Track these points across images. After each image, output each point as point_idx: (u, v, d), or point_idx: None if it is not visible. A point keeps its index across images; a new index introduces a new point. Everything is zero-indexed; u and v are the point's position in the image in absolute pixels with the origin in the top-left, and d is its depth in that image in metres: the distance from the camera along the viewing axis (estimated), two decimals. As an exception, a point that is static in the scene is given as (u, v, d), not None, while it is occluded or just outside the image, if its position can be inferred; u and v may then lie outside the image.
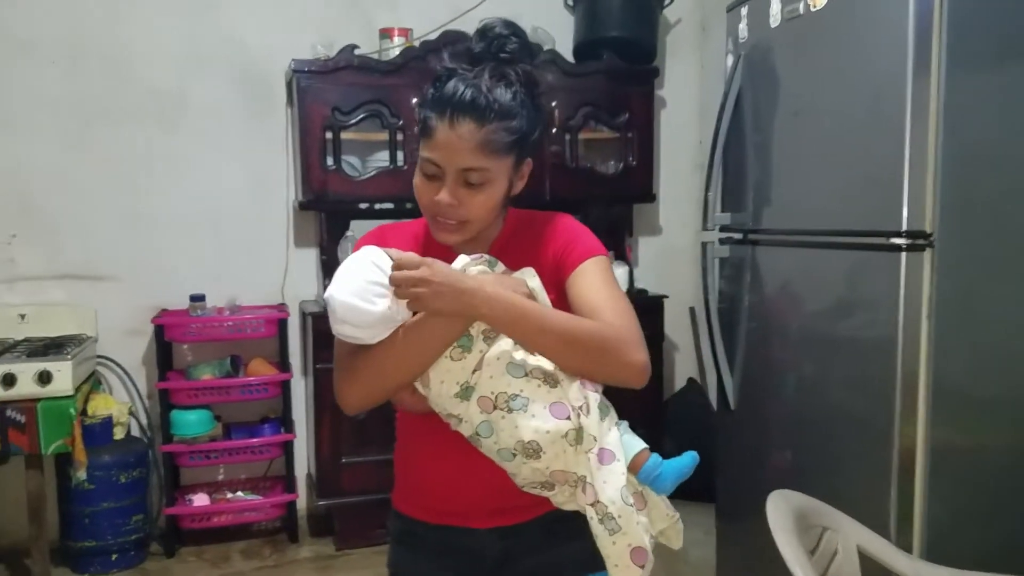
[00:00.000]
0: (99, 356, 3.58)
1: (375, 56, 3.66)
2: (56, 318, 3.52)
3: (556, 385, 1.31)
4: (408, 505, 1.50)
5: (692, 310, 4.31)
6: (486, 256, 1.39)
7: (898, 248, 2.07)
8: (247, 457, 3.61)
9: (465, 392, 1.31)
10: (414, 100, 3.58)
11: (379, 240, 1.46)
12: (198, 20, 3.71)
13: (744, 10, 2.65)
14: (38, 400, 2.98)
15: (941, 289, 2.05)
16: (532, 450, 1.29)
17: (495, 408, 1.29)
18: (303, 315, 3.74)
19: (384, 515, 3.68)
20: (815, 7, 2.32)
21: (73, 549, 3.33)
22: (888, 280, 2.10)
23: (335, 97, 3.57)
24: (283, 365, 3.61)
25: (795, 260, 2.48)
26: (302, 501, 3.80)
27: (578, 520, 1.33)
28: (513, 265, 1.41)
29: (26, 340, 3.39)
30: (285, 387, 3.59)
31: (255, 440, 3.58)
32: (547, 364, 1.32)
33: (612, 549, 1.29)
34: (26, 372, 2.98)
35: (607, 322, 1.32)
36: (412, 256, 1.29)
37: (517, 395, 1.29)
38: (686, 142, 4.31)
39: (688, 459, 1.35)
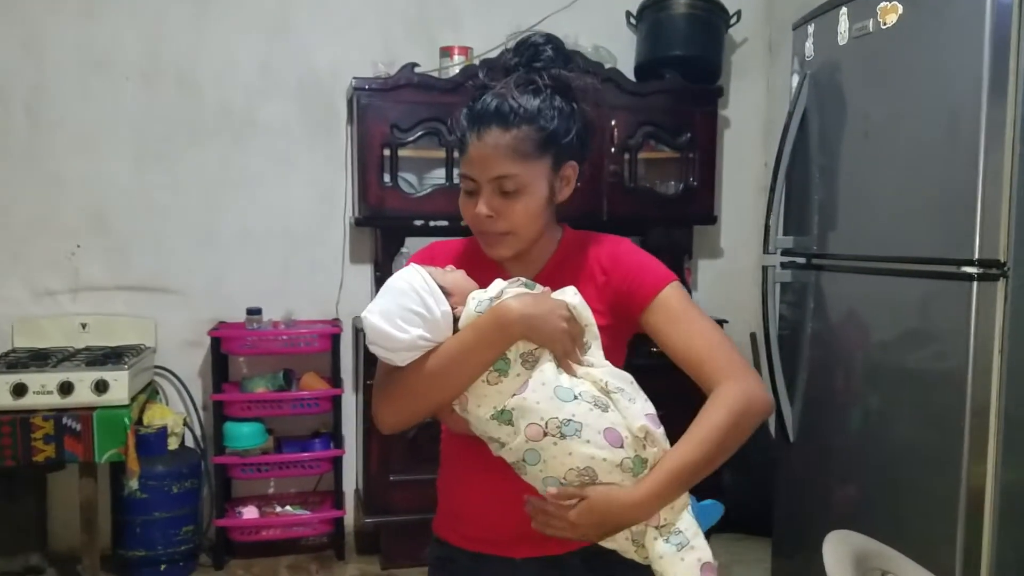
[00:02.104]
0: (156, 367, 3.62)
1: (435, 74, 3.66)
2: (117, 328, 3.58)
3: (607, 409, 1.26)
4: (446, 530, 1.47)
5: (753, 336, 4.20)
6: (522, 279, 1.35)
7: (970, 277, 1.98)
8: (297, 472, 3.60)
9: (502, 415, 1.27)
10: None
11: (429, 259, 1.46)
12: (269, 39, 3.76)
13: (811, 28, 2.58)
14: (94, 408, 3.01)
15: (1014, 320, 1.95)
16: (587, 478, 1.24)
17: (545, 435, 1.24)
18: (356, 331, 3.73)
19: (432, 535, 3.63)
20: (885, 24, 2.24)
21: (124, 558, 3.35)
22: (959, 310, 2.00)
23: (394, 114, 3.57)
24: (335, 380, 3.61)
25: (861, 287, 2.39)
26: (350, 518, 3.77)
27: (624, 558, 1.30)
28: (558, 284, 1.36)
29: (86, 349, 3.44)
30: (336, 402, 3.58)
31: (305, 455, 3.57)
32: (595, 388, 1.27)
33: (681, 566, 1.23)
34: (84, 380, 3.02)
35: (725, 379, 1.29)
36: (566, 490, 1.25)
37: (570, 420, 1.23)
38: (751, 163, 4.22)
39: (714, 510, 1.32)
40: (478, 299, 1.31)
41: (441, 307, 1.29)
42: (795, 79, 2.65)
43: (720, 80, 3.97)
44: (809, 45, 2.58)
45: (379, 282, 3.76)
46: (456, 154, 3.49)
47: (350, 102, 3.74)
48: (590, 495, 1.23)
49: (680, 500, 1.27)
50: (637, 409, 1.27)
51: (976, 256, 1.97)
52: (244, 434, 3.48)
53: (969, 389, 1.98)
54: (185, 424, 3.56)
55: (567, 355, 1.28)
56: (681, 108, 3.83)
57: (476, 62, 3.70)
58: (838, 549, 1.64)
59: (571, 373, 1.28)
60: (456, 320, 1.31)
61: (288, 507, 3.65)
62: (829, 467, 2.52)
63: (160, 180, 3.68)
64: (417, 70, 3.60)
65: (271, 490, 3.81)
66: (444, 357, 1.29)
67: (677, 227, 4.05)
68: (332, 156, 3.84)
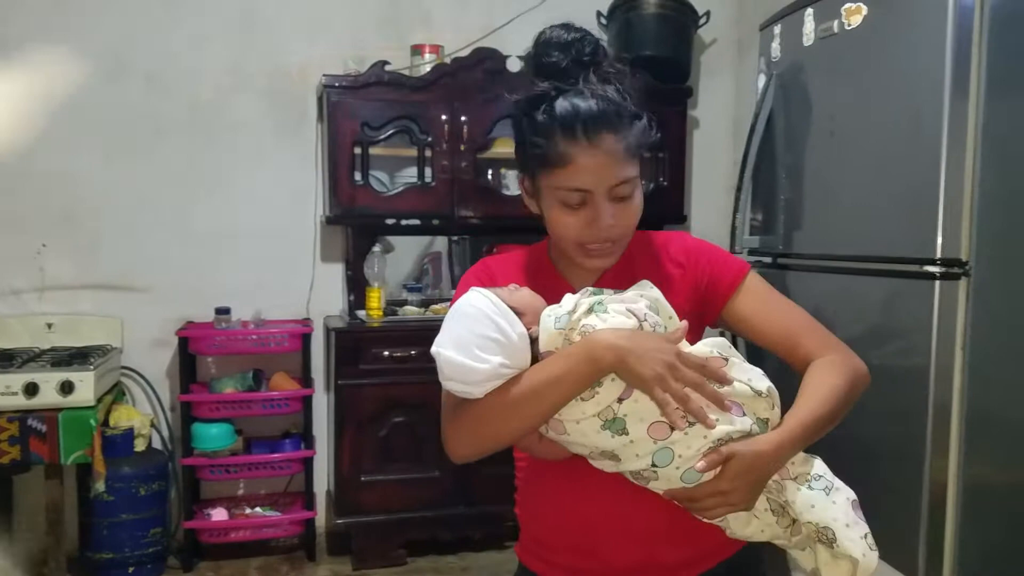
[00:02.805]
0: (123, 367, 3.58)
1: (406, 72, 3.65)
2: (83, 328, 3.54)
3: (727, 381, 1.20)
4: (534, 559, 1.37)
5: (723, 334, 4.23)
6: (590, 288, 1.27)
7: (932, 276, 2.00)
8: (267, 472, 3.58)
9: (614, 425, 1.16)
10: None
11: (486, 277, 1.37)
12: (239, 36, 3.73)
13: (777, 29, 2.60)
14: (60, 410, 2.98)
15: (976, 319, 1.97)
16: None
17: (673, 430, 1.15)
18: (327, 330, 3.71)
19: (402, 535, 3.63)
20: (850, 25, 2.26)
21: (91, 560, 3.31)
22: (922, 309, 2.03)
23: (365, 112, 3.56)
24: (306, 380, 3.59)
25: (826, 286, 2.41)
26: (321, 518, 3.76)
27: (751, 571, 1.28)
28: (625, 286, 1.29)
29: (52, 349, 3.40)
30: (307, 403, 3.56)
31: (276, 455, 3.55)
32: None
33: (834, 509, 1.19)
34: (49, 381, 2.98)
35: (825, 353, 1.29)
36: (712, 458, 1.16)
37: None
38: (720, 163, 4.24)
39: None
40: (555, 316, 1.21)
41: (517, 329, 1.19)
42: (761, 79, 2.67)
43: (690, 80, 4.00)
44: (775, 46, 2.61)
45: (351, 281, 3.75)
46: (429, 153, 3.56)
47: (320, 100, 3.73)
48: (735, 452, 1.15)
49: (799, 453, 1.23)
50: (757, 372, 1.23)
51: (938, 255, 1.99)
52: (212, 435, 3.46)
53: (932, 386, 2.01)
54: (152, 425, 3.52)
55: (663, 404, 1.14)
56: (651, 108, 3.82)
57: (447, 60, 3.69)
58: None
59: (674, 424, 1.15)
60: (533, 341, 1.22)
61: (258, 508, 3.63)
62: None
63: (127, 178, 3.64)
64: (388, 68, 3.59)
65: (241, 491, 3.78)
66: (527, 388, 1.18)
67: (647, 226, 4.06)
68: (302, 154, 3.82)
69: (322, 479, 3.79)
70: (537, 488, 1.36)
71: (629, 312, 1.20)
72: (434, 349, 1.19)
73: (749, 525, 1.22)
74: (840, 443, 2.31)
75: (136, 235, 3.66)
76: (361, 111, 3.56)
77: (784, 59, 2.58)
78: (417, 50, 3.72)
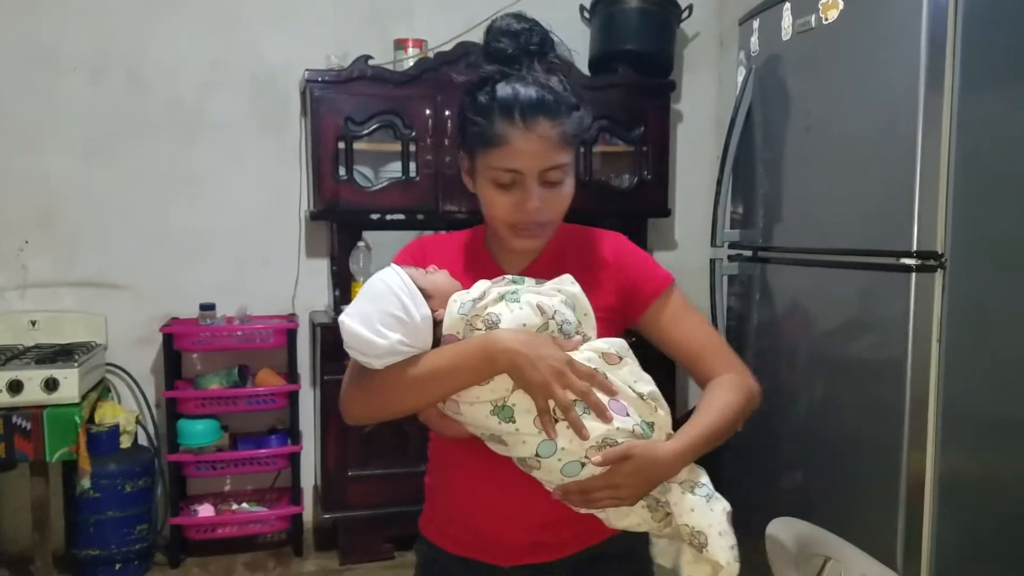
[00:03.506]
0: (108, 364, 3.58)
1: (389, 67, 3.65)
2: (67, 325, 3.53)
3: (612, 393, 1.25)
4: (433, 531, 1.44)
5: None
6: (509, 277, 1.32)
7: (908, 268, 2.02)
8: (254, 468, 3.58)
9: (502, 412, 1.22)
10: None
11: (419, 256, 1.42)
12: (218, 33, 3.72)
13: (756, 23, 2.61)
14: (44, 407, 2.97)
15: (952, 311, 2.00)
16: (608, 447, 1.21)
17: (557, 422, 1.20)
18: (313, 326, 3.72)
19: (389, 530, 3.64)
20: (827, 20, 2.28)
21: (77, 558, 3.32)
22: (898, 301, 2.05)
23: (348, 107, 3.56)
24: (291, 376, 3.60)
25: (805, 279, 2.43)
26: (308, 514, 3.76)
27: (613, 560, 1.33)
28: (553, 275, 1.33)
29: (36, 347, 3.39)
30: (293, 398, 3.57)
31: (262, 451, 3.55)
32: (599, 360, 1.25)
33: (712, 515, 1.24)
34: (33, 379, 2.98)
35: (726, 371, 1.35)
36: (612, 451, 1.21)
37: (576, 399, 1.20)
38: (703, 157, 4.26)
39: None
40: (460, 301, 1.27)
41: (421, 311, 1.25)
42: (741, 73, 2.69)
43: (672, 74, 4.00)
44: (754, 40, 2.62)
45: (336, 276, 3.75)
46: (413, 148, 3.56)
47: (303, 95, 3.73)
48: (634, 453, 1.21)
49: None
50: (645, 376, 1.28)
51: (914, 248, 2.01)
52: (198, 431, 3.46)
53: (908, 378, 2.03)
54: (138, 422, 3.52)
55: (542, 411, 1.20)
56: (634, 102, 3.86)
57: (431, 55, 3.69)
58: (780, 536, 1.67)
59: (547, 431, 1.20)
60: (438, 323, 1.27)
61: (245, 504, 3.63)
62: (775, 455, 2.56)
63: (109, 175, 3.63)
64: (371, 63, 3.59)
65: (227, 487, 3.79)
66: (424, 371, 1.24)
67: (631, 220, 4.08)
68: (286, 149, 3.81)
69: (308, 475, 3.80)
70: (442, 463, 1.43)
71: (539, 308, 1.24)
72: (341, 318, 1.26)
73: (627, 517, 1.28)
74: (819, 435, 2.34)
75: (119, 232, 3.65)
76: (344, 106, 3.55)
77: (763, 53, 2.59)
78: (400, 45, 3.72)
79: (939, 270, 2.00)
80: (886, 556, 1.98)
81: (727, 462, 2.84)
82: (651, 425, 1.25)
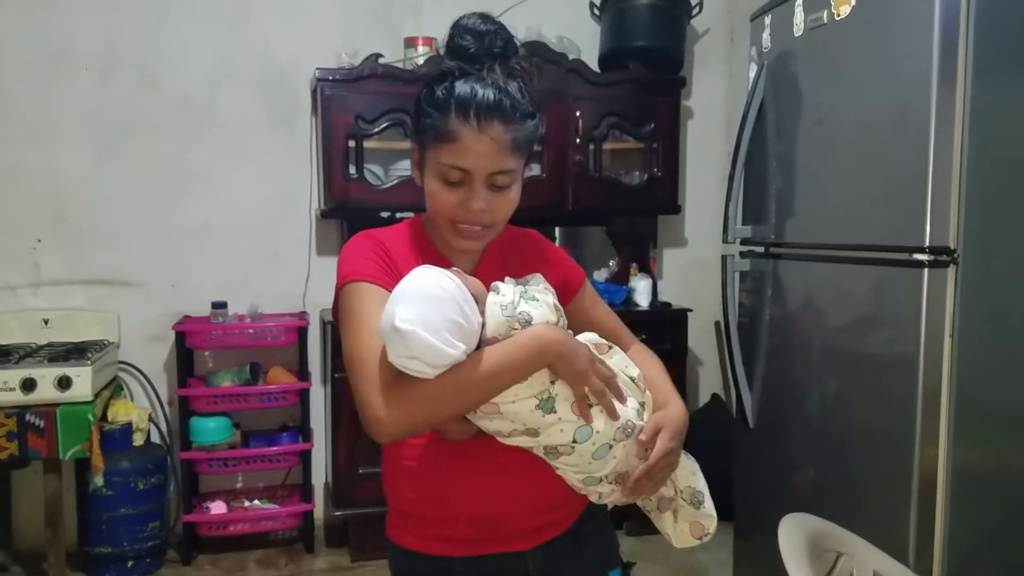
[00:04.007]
0: (121, 362, 3.60)
1: (399, 65, 3.66)
2: (79, 323, 3.55)
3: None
4: (437, 543, 1.39)
5: (718, 324, 4.25)
6: (510, 278, 1.35)
7: (921, 264, 2.01)
8: (265, 465, 3.60)
9: (546, 404, 1.25)
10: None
11: (383, 253, 1.37)
12: (229, 31, 3.73)
13: (768, 19, 2.61)
14: (57, 405, 2.99)
15: (964, 306, 1.99)
16: (628, 431, 1.31)
17: (591, 407, 1.28)
18: (323, 323, 3.73)
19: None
20: (839, 16, 2.27)
21: (90, 555, 3.34)
22: (910, 297, 2.04)
23: (359, 106, 3.56)
24: (302, 374, 3.61)
25: (817, 275, 2.42)
26: (319, 511, 3.78)
27: (597, 520, 1.46)
28: (499, 273, 1.38)
29: (49, 345, 3.41)
30: (304, 396, 3.58)
31: (273, 448, 3.57)
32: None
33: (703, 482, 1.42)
34: (46, 377, 2.99)
35: (633, 342, 1.54)
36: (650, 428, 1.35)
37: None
38: (714, 153, 4.25)
39: None
40: (500, 304, 1.26)
41: (477, 317, 1.23)
42: (753, 69, 2.68)
43: (683, 70, 3.99)
44: (766, 36, 2.61)
45: (345, 274, 3.75)
46: (423, 138, 3.54)
47: (314, 93, 3.73)
48: (662, 423, 1.36)
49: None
50: (628, 359, 1.40)
51: (927, 243, 2.00)
52: (210, 429, 3.47)
53: (921, 373, 2.02)
54: (150, 419, 3.54)
55: (581, 398, 1.26)
56: (644, 98, 3.85)
57: (441, 52, 3.69)
58: (793, 531, 1.67)
59: (584, 417, 1.27)
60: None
61: (256, 501, 3.65)
62: (788, 451, 2.56)
63: (121, 173, 3.65)
64: (381, 61, 3.59)
65: (239, 484, 3.81)
66: (484, 373, 1.22)
67: (641, 217, 4.09)
68: (296, 147, 3.82)
69: (320, 472, 3.81)
70: (435, 470, 1.37)
71: (555, 307, 1.31)
72: (402, 326, 1.16)
73: (612, 495, 1.39)
74: (831, 431, 2.34)
75: (131, 230, 3.67)
76: (355, 104, 3.56)
77: (774, 49, 2.58)
78: (410, 43, 3.72)
79: (952, 265, 2.00)
80: (898, 551, 1.97)
81: (739, 457, 2.84)
82: (643, 405, 1.36)
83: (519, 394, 1.24)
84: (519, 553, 1.38)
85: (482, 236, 1.36)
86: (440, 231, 1.38)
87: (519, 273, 1.39)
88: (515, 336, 1.25)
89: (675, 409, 1.39)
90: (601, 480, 1.35)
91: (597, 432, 1.28)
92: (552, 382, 1.26)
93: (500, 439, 1.31)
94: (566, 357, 1.25)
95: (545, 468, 1.35)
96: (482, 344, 1.25)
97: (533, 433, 1.28)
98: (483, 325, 1.25)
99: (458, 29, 1.34)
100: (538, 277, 1.38)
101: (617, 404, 1.30)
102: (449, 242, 1.38)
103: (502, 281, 1.32)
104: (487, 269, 1.41)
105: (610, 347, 1.37)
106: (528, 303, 1.28)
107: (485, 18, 1.34)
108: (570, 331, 1.32)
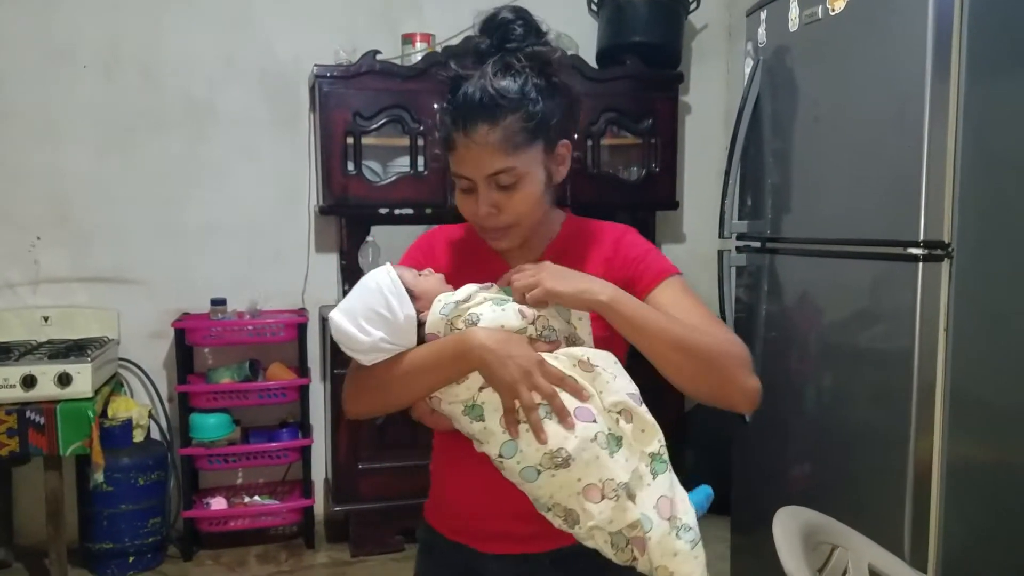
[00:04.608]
0: (121, 359, 3.61)
1: (397, 61, 3.66)
2: (79, 320, 3.56)
3: (583, 398, 1.23)
4: (431, 516, 1.47)
5: (716, 319, 4.25)
6: (494, 285, 1.33)
7: (915, 258, 2.02)
8: (265, 461, 3.61)
9: (472, 411, 1.25)
10: (435, 106, 3.58)
11: (427, 250, 1.46)
12: (230, 29, 3.74)
13: (763, 14, 2.61)
14: (58, 402, 3.00)
15: (959, 300, 2.00)
16: (560, 460, 1.19)
17: (519, 423, 1.21)
18: (322, 320, 3.74)
19: (400, 522, 3.66)
20: (834, 11, 2.27)
21: (91, 551, 3.35)
22: (905, 291, 2.05)
23: (357, 102, 3.57)
24: (302, 370, 3.62)
25: (813, 269, 2.43)
26: (319, 506, 3.79)
27: (597, 560, 1.25)
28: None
29: (49, 342, 3.42)
30: (303, 392, 3.59)
31: (273, 444, 3.58)
32: (573, 367, 1.24)
33: (695, 563, 1.19)
34: (47, 374, 3.00)
35: (725, 338, 1.27)
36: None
37: (540, 403, 1.21)
38: (712, 148, 4.26)
39: (702, 495, 1.29)
40: (444, 302, 1.29)
41: (405, 310, 1.27)
42: (749, 64, 2.69)
43: (681, 66, 4.00)
44: (762, 31, 2.62)
45: (345, 271, 3.77)
46: (421, 142, 3.57)
47: (312, 90, 3.74)
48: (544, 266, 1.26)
49: (681, 494, 1.24)
50: (617, 386, 1.24)
51: (921, 238, 2.01)
52: (210, 425, 3.48)
53: (916, 367, 2.03)
54: (150, 416, 3.55)
55: (507, 410, 1.21)
56: (642, 94, 3.86)
57: (438, 49, 3.70)
58: (787, 524, 1.67)
59: (510, 431, 1.21)
60: (423, 325, 1.29)
61: (257, 497, 3.66)
62: (784, 445, 2.57)
63: (121, 170, 3.66)
64: (379, 57, 3.60)
65: (239, 481, 3.82)
66: (405, 368, 1.28)
67: (640, 212, 4.09)
68: (296, 144, 3.83)
69: (320, 467, 3.82)
70: (439, 453, 1.46)
71: (520, 312, 1.25)
72: (330, 312, 1.30)
73: (591, 539, 1.24)
74: (827, 425, 2.34)
75: (131, 227, 3.68)
76: (353, 101, 3.57)
77: (770, 44, 2.59)
78: (408, 39, 3.73)
79: (946, 259, 2.00)
80: (893, 544, 1.98)
81: (736, 452, 2.85)
82: (619, 440, 1.21)
83: (458, 395, 1.26)
84: (477, 552, 1.36)
85: (506, 236, 1.34)
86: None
87: (576, 268, 1.32)
88: (444, 337, 1.27)
89: (589, 283, 1.24)
90: (550, 510, 1.24)
91: (521, 451, 1.21)
92: (480, 389, 1.24)
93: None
94: (490, 364, 1.21)
95: None
96: (423, 342, 1.29)
97: (475, 439, 1.27)
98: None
99: (480, 26, 1.34)
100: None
101: (551, 428, 1.19)
102: (486, 241, 1.39)
103: None
104: None
105: (594, 367, 1.24)
106: (493, 306, 1.26)
107: (511, 9, 1.32)
108: (526, 337, 1.25)
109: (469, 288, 1.31)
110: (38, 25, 3.55)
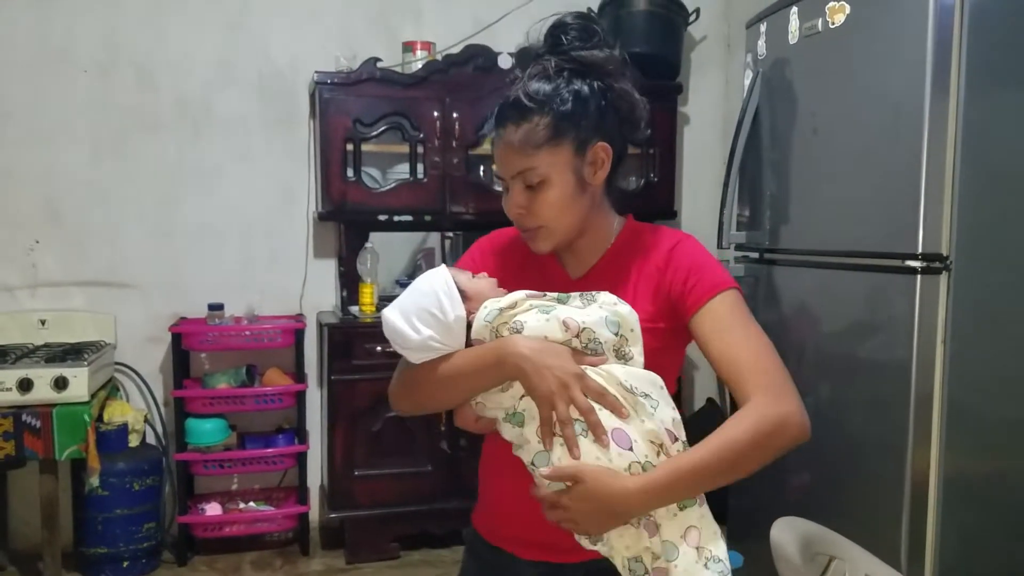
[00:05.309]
0: (117, 363, 3.61)
1: (398, 69, 3.67)
2: (76, 324, 3.56)
3: (622, 416, 1.20)
4: (477, 519, 1.48)
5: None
6: (555, 294, 1.30)
7: (913, 271, 2.03)
8: (261, 467, 3.60)
9: (513, 418, 1.25)
10: (435, 113, 3.60)
11: (488, 250, 1.48)
12: (228, 32, 3.74)
13: (763, 27, 2.63)
14: (54, 405, 2.99)
15: (957, 313, 2.01)
16: None
17: (554, 434, 1.20)
18: (320, 326, 3.74)
19: (395, 529, 3.65)
20: (834, 24, 2.29)
21: (86, 555, 3.34)
22: (903, 303, 2.06)
23: (357, 109, 3.58)
24: (299, 376, 3.62)
25: (811, 281, 2.44)
26: (315, 513, 3.79)
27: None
28: (612, 279, 1.34)
29: (45, 346, 3.42)
30: (300, 397, 3.59)
31: (269, 450, 3.57)
32: (614, 388, 1.21)
33: None
34: (43, 377, 3.00)
35: (754, 400, 1.19)
36: (560, 469, 1.19)
37: (578, 419, 1.19)
38: (710, 159, 4.27)
39: (732, 559, 1.27)
40: (488, 308, 1.28)
41: (456, 311, 1.28)
42: (748, 76, 2.70)
43: (679, 77, 4.02)
44: (761, 43, 2.63)
45: (343, 277, 3.78)
46: (421, 149, 3.57)
47: (312, 96, 3.75)
48: (585, 477, 1.16)
49: (712, 527, 1.21)
50: (658, 415, 1.20)
51: (919, 250, 2.02)
52: (206, 430, 3.47)
53: (913, 379, 2.04)
54: (146, 421, 3.54)
55: (543, 421, 1.21)
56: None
57: (439, 57, 3.71)
58: (785, 535, 1.68)
59: (544, 442, 1.21)
60: (471, 327, 1.30)
61: (252, 503, 3.65)
62: (781, 456, 2.57)
63: (118, 173, 3.65)
64: (379, 65, 3.61)
65: (235, 486, 3.81)
66: (449, 370, 1.30)
67: (638, 221, 4.10)
68: (294, 150, 3.83)
69: (315, 474, 3.82)
70: (485, 458, 1.46)
71: (564, 324, 1.23)
72: (384, 310, 1.33)
73: (612, 557, 1.23)
74: (825, 435, 2.35)
75: (129, 231, 3.68)
76: (353, 108, 3.58)
77: (770, 56, 2.60)
78: (409, 47, 3.74)
79: (944, 272, 2.02)
80: (891, 555, 1.99)
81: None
82: (643, 467, 1.18)
83: (501, 403, 1.27)
84: (515, 558, 1.36)
85: (538, 237, 1.34)
86: None
87: (622, 276, 1.33)
88: (486, 344, 1.28)
89: (621, 484, 1.16)
90: None
91: (552, 464, 1.20)
92: (521, 397, 1.25)
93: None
94: (528, 374, 1.20)
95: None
96: (470, 345, 1.31)
97: (515, 446, 1.28)
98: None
99: (547, 32, 1.37)
100: (605, 296, 1.27)
101: (585, 446, 1.18)
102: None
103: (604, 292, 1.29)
104: (597, 273, 1.37)
105: (635, 394, 1.20)
106: (538, 315, 1.25)
107: (575, 15, 1.36)
108: (569, 348, 1.23)
109: (517, 295, 1.30)
110: (34, 27, 3.54)
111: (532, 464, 1.23)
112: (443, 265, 1.37)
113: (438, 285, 1.30)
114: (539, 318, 1.25)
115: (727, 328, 1.25)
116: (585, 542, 1.24)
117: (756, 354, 1.23)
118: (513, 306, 1.28)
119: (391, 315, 1.31)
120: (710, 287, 1.27)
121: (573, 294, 1.30)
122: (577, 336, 1.23)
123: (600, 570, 1.27)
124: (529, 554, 1.35)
